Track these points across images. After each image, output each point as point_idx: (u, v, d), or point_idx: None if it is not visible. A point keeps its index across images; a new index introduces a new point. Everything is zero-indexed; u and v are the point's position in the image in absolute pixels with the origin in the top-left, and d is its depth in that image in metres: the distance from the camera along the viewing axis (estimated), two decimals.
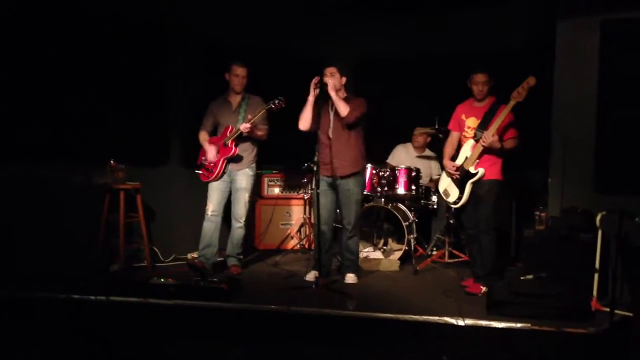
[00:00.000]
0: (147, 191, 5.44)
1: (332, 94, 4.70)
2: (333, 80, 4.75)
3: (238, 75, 5.07)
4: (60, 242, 4.84)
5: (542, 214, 4.62)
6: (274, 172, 6.57)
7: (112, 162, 5.16)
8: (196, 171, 5.21)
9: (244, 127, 4.90)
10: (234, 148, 5.03)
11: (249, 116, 4.98)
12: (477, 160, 4.46)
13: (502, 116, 4.34)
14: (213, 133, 5.22)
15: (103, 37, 5.27)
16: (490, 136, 4.33)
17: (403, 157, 6.29)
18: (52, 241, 4.81)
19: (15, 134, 4.81)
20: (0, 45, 4.77)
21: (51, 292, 4.17)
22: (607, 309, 3.72)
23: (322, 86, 4.71)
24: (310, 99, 4.73)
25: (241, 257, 5.30)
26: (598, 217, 4.14)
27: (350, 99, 4.87)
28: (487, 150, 4.44)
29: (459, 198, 4.54)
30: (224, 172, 5.09)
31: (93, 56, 5.22)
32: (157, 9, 5.61)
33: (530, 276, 4.09)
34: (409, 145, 6.41)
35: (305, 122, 4.79)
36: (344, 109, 4.72)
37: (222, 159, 5.05)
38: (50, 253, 4.75)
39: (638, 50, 4.50)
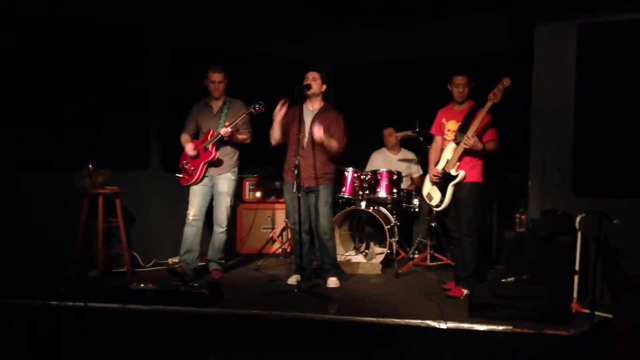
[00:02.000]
0: (127, 195, 5.37)
1: (324, 140, 4.66)
2: (313, 84, 4.75)
3: (214, 81, 5.04)
4: (38, 247, 4.77)
5: (523, 217, 4.65)
6: (255, 176, 6.53)
7: (90, 166, 5.08)
8: (177, 175, 5.16)
9: (224, 131, 4.88)
10: (214, 152, 5.00)
11: (228, 122, 4.95)
12: (458, 163, 4.48)
13: (480, 118, 4.38)
14: (195, 137, 5.18)
15: (82, 40, 5.21)
16: (470, 137, 4.36)
17: (381, 162, 6.29)
18: (29, 246, 4.73)
19: None
20: None
21: (29, 298, 4.09)
22: (587, 311, 3.75)
23: (302, 89, 4.69)
24: (277, 117, 4.72)
25: (223, 261, 5.26)
26: (577, 219, 4.18)
27: (329, 114, 4.85)
28: (468, 153, 4.46)
29: (441, 201, 4.55)
30: (204, 176, 5.06)
31: (72, 59, 5.16)
32: (137, 12, 5.56)
33: (511, 279, 4.11)
34: (384, 150, 6.42)
35: (274, 139, 4.82)
36: (335, 149, 4.76)
37: (202, 163, 5.02)
38: (28, 258, 4.68)
39: (615, 53, 4.56)
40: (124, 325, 4.01)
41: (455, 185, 4.49)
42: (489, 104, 4.35)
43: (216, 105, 5.13)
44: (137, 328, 3.99)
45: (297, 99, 4.68)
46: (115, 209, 5.19)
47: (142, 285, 4.26)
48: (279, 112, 4.70)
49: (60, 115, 5.08)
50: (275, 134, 4.79)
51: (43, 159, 4.99)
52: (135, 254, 5.58)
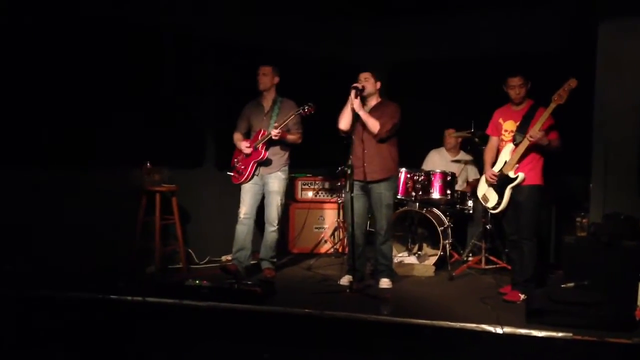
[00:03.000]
0: (182, 193, 5.48)
1: (361, 113, 4.68)
2: (366, 84, 4.74)
3: (259, 73, 5.10)
4: (97, 243, 4.92)
5: (584, 220, 4.51)
6: (308, 175, 6.55)
7: (148, 164, 5.22)
8: (228, 173, 5.24)
9: (274, 133, 4.92)
10: (263, 152, 5.04)
11: (278, 122, 4.99)
12: (517, 165, 4.37)
13: (543, 119, 4.23)
14: (247, 136, 5.24)
15: (138, 44, 5.35)
16: (537, 131, 4.22)
17: (437, 162, 6.21)
18: (90, 242, 4.89)
19: (55, 137, 4.90)
20: (40, 50, 4.86)
21: (89, 292, 4.22)
22: None
23: (356, 90, 4.69)
24: (351, 101, 4.69)
25: (275, 260, 5.30)
26: None
27: (384, 106, 4.84)
28: (527, 154, 4.34)
29: (498, 203, 4.44)
30: (254, 175, 5.11)
31: (129, 61, 5.30)
32: (192, 14, 5.67)
33: (571, 284, 3.98)
34: (442, 149, 6.33)
35: (345, 121, 4.77)
36: (373, 127, 4.71)
37: (252, 162, 5.07)
38: (88, 253, 4.83)
39: None
40: (180, 320, 4.09)
41: (514, 188, 4.38)
42: (553, 105, 4.21)
43: (267, 104, 5.18)
44: (192, 323, 4.05)
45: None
46: (171, 207, 5.31)
47: (197, 281, 4.33)
48: (355, 100, 4.67)
49: (120, 114, 5.23)
50: (346, 119, 4.75)
51: (103, 157, 5.14)
52: (190, 251, 5.70)
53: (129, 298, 4.15)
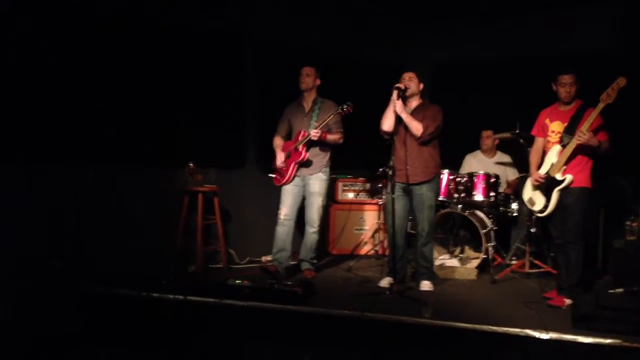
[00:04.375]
0: (224, 194, 5.55)
1: (403, 115, 4.64)
2: (410, 84, 4.71)
3: (302, 73, 5.13)
4: (141, 242, 5.02)
5: (634, 224, 4.36)
6: (349, 176, 6.55)
7: (191, 164, 5.30)
8: (269, 175, 5.27)
9: (313, 134, 4.93)
10: (304, 153, 5.05)
11: (317, 122, 5.00)
12: (564, 167, 4.25)
13: (591, 119, 4.10)
14: (288, 137, 5.27)
15: (184, 46, 5.44)
16: (585, 131, 4.10)
17: (475, 165, 6.10)
18: (134, 240, 4.99)
19: (102, 138, 5.02)
20: (89, 46, 4.98)
21: (133, 290, 4.30)
22: None
23: (399, 91, 4.66)
24: (394, 102, 4.66)
25: (315, 261, 5.31)
26: None
27: (426, 108, 4.79)
28: (575, 155, 4.22)
29: (545, 207, 4.33)
30: (295, 176, 5.12)
31: (173, 63, 5.40)
32: (234, 16, 5.74)
33: (620, 289, 3.85)
34: (478, 152, 6.23)
35: (388, 122, 4.73)
36: (416, 130, 4.67)
37: (292, 164, 5.09)
38: (132, 252, 4.93)
39: None
40: (220, 320, 4.13)
41: (562, 191, 4.26)
42: (601, 105, 4.08)
43: (308, 105, 5.19)
44: (233, 323, 4.09)
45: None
46: (213, 207, 5.38)
47: (238, 281, 4.37)
48: (397, 102, 4.65)
49: (166, 117, 5.32)
50: (389, 121, 4.71)
51: (148, 156, 5.25)
52: (231, 251, 5.76)
53: (171, 296, 4.21)
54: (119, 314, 4.21)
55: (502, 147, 6.19)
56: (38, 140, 4.70)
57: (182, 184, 5.33)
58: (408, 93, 4.74)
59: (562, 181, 4.24)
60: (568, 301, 4.21)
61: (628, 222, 4.41)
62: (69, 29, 4.82)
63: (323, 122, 4.99)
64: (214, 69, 5.66)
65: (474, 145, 6.28)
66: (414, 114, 4.77)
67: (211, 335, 4.04)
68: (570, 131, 4.22)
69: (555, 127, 4.40)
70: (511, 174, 6.11)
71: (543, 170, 4.39)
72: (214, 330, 4.07)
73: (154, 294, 4.24)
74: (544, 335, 3.54)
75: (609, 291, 3.92)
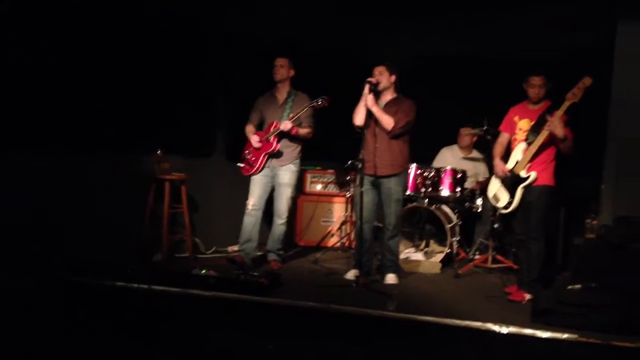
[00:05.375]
0: (191, 182, 5.50)
1: (374, 109, 4.67)
2: (381, 78, 4.73)
3: (275, 64, 5.10)
4: (106, 230, 4.94)
5: (594, 222, 4.47)
6: (317, 168, 6.55)
7: (159, 152, 5.23)
8: (238, 164, 5.24)
9: (285, 125, 4.92)
10: (275, 144, 5.04)
11: (291, 114, 4.99)
12: (529, 164, 4.34)
13: (557, 116, 4.19)
14: (259, 128, 5.24)
15: (152, 32, 5.33)
16: (556, 119, 4.18)
17: (449, 159, 6.19)
18: (98, 229, 4.91)
19: (65, 124, 4.91)
20: (58, 38, 4.86)
21: (96, 279, 4.24)
22: None
23: (370, 85, 4.68)
24: (365, 96, 4.68)
25: (281, 252, 5.32)
26: None
27: (399, 102, 4.82)
28: (540, 153, 4.31)
29: (509, 203, 4.42)
30: (264, 167, 5.11)
31: (142, 49, 5.29)
32: (208, 3, 5.66)
33: (578, 286, 3.96)
34: (455, 146, 6.30)
35: (360, 116, 4.75)
36: (387, 124, 4.70)
37: (263, 154, 5.08)
38: (95, 240, 4.85)
39: None
40: (185, 309, 4.10)
41: (526, 188, 4.35)
42: (567, 104, 4.17)
43: (281, 96, 5.17)
44: (198, 313, 4.07)
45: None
46: (180, 196, 5.33)
47: (203, 271, 4.35)
48: (368, 96, 4.67)
49: (132, 103, 5.23)
50: (361, 115, 4.73)
51: (114, 144, 5.15)
52: (197, 240, 5.72)
53: (136, 285, 4.17)
54: (82, 302, 4.15)
55: (479, 146, 6.27)
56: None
57: (150, 171, 5.25)
58: (380, 87, 4.76)
59: (527, 178, 4.33)
60: (528, 296, 4.32)
61: (588, 221, 4.52)
62: (31, 14, 4.68)
63: (296, 114, 4.98)
64: (183, 56, 5.58)
65: (446, 141, 6.35)
66: (387, 107, 4.79)
67: (175, 324, 4.02)
68: (536, 130, 4.31)
69: (523, 125, 4.48)
70: (483, 173, 6.19)
71: (508, 167, 4.48)
72: (178, 320, 4.05)
73: (118, 283, 4.19)
74: (504, 330, 3.62)
75: (568, 287, 4.01)
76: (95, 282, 4.21)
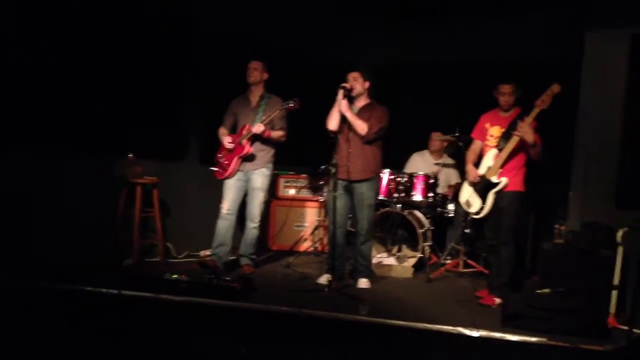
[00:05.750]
0: (164, 186, 5.45)
1: (348, 115, 4.69)
2: (355, 84, 4.75)
3: (249, 67, 5.10)
4: (76, 233, 4.85)
5: (562, 228, 4.56)
6: (291, 173, 6.55)
7: (130, 155, 5.17)
8: (211, 168, 5.21)
9: (257, 128, 4.91)
10: (247, 147, 5.03)
11: (263, 117, 4.99)
12: (500, 170, 4.41)
13: (528, 121, 4.27)
14: (233, 131, 5.22)
15: (122, 32, 5.27)
16: (526, 125, 4.25)
17: (420, 165, 6.25)
18: (68, 232, 4.82)
19: (36, 126, 4.81)
20: (27, 39, 4.77)
21: (65, 283, 4.17)
22: (625, 327, 3.65)
23: (344, 90, 4.70)
24: (339, 102, 4.70)
25: (254, 257, 5.29)
26: (619, 233, 4.07)
27: (373, 108, 4.85)
28: (510, 159, 4.38)
29: (481, 208, 4.48)
30: (238, 170, 5.09)
31: (113, 51, 5.22)
32: (180, 2, 5.62)
33: (547, 290, 4.03)
34: (425, 152, 6.37)
35: (334, 121, 4.78)
36: (361, 129, 4.73)
37: (236, 157, 5.06)
38: (65, 243, 4.76)
39: None
40: (156, 315, 4.05)
41: (497, 193, 4.42)
42: (536, 110, 4.26)
43: (254, 99, 5.16)
44: (169, 318, 4.02)
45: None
46: (152, 200, 5.27)
47: (175, 276, 4.31)
48: (342, 101, 4.69)
49: (103, 106, 5.15)
50: (335, 120, 4.76)
51: (85, 147, 5.07)
52: (169, 244, 5.66)
53: (104, 290, 4.11)
54: (50, 307, 4.07)
55: (450, 152, 6.32)
56: None
57: (121, 175, 5.18)
58: (354, 93, 4.79)
59: (498, 184, 4.40)
60: (498, 300, 4.38)
61: (557, 226, 4.60)
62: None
63: (268, 117, 4.98)
64: (156, 59, 5.52)
65: (417, 147, 6.41)
66: (360, 113, 4.82)
67: (146, 330, 3.96)
68: (507, 137, 4.38)
69: (494, 132, 4.55)
70: (454, 178, 6.26)
71: (479, 173, 4.54)
72: (148, 325, 3.99)
73: (87, 288, 4.12)
74: (474, 333, 3.67)
75: (537, 291, 4.07)
76: (64, 286, 4.14)
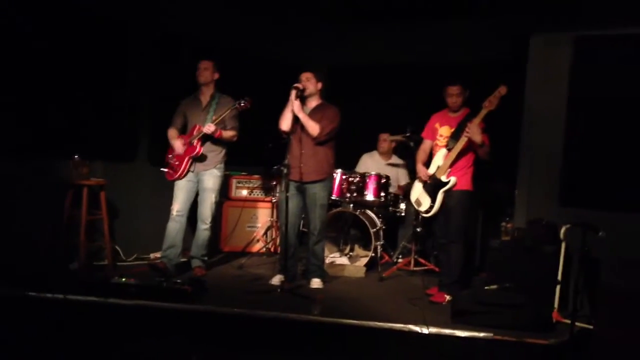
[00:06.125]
0: (112, 188, 5.32)
1: (301, 115, 4.70)
2: (308, 85, 4.76)
3: (199, 67, 5.04)
4: (19, 237, 4.69)
5: (508, 225, 4.68)
6: (243, 173, 6.50)
7: (76, 157, 5.02)
8: (162, 169, 5.13)
9: (207, 128, 4.86)
10: (198, 147, 4.97)
11: (214, 117, 4.94)
12: (449, 170, 4.50)
13: (476, 122, 4.36)
14: (183, 131, 5.15)
15: (69, 31, 5.13)
16: (474, 126, 4.34)
17: (370, 165, 6.30)
18: (10, 236, 4.65)
19: None
20: None
21: (8, 289, 4.03)
22: (568, 321, 3.77)
23: (297, 91, 4.70)
24: (291, 102, 4.69)
25: (206, 258, 5.23)
26: (562, 230, 4.20)
27: (325, 109, 4.86)
28: (459, 159, 4.47)
29: (431, 207, 4.56)
30: (189, 171, 5.02)
31: (61, 50, 5.07)
32: (128, 3, 5.51)
33: (494, 286, 4.13)
34: (375, 153, 6.43)
35: (286, 122, 4.77)
36: (313, 130, 4.73)
37: (186, 158, 4.99)
38: (7, 248, 4.60)
39: (608, 67, 4.60)
40: (104, 319, 3.96)
41: (446, 192, 4.50)
42: (483, 112, 4.36)
43: (205, 99, 5.11)
44: (118, 322, 3.94)
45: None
46: (99, 202, 5.14)
47: (124, 279, 4.21)
48: (295, 102, 4.67)
49: (48, 104, 5.00)
50: (287, 120, 4.74)
51: (28, 148, 4.90)
52: (117, 247, 5.53)
53: (50, 295, 3.99)
54: None
55: (398, 151, 6.41)
56: None
57: (66, 177, 5.03)
58: (306, 93, 4.79)
59: (447, 183, 4.48)
60: (448, 297, 4.46)
61: (503, 224, 4.72)
62: None
63: (219, 117, 4.93)
64: (103, 58, 5.39)
65: (369, 147, 6.47)
66: (312, 113, 4.83)
67: (94, 335, 3.87)
68: (456, 136, 4.47)
69: (444, 132, 4.64)
70: (403, 179, 6.34)
71: (429, 172, 4.62)
72: (96, 331, 3.90)
73: (31, 293, 3.99)
74: (425, 330, 3.73)
75: (485, 287, 4.17)
76: (7, 291, 4.00)
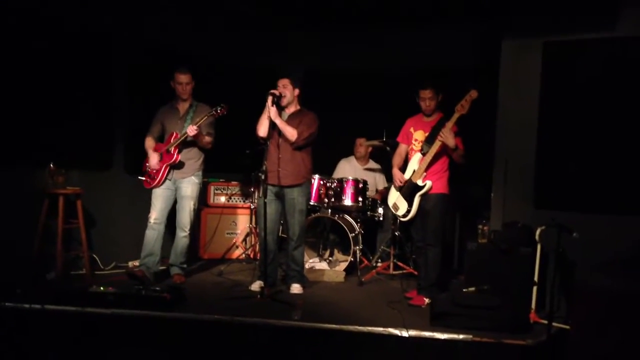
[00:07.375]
0: (89, 197, 5.27)
1: (278, 121, 4.72)
2: (285, 91, 4.78)
3: (182, 82, 5.02)
4: None
5: (485, 228, 4.73)
6: (221, 180, 6.49)
7: (51, 165, 4.97)
8: (139, 177, 5.10)
9: (191, 129, 4.84)
10: (176, 155, 4.96)
11: (191, 124, 4.93)
12: (425, 173, 4.55)
13: (447, 127, 4.42)
14: (160, 140, 5.13)
15: (44, 40, 5.08)
16: (447, 130, 4.38)
17: (348, 170, 6.33)
18: None
19: None
20: None
21: None
22: (545, 321, 3.83)
23: (273, 97, 4.72)
24: (268, 108, 4.70)
25: (185, 266, 5.21)
26: (537, 232, 4.26)
27: (302, 115, 4.89)
28: (434, 163, 4.53)
29: (408, 211, 4.60)
30: (166, 179, 5.01)
31: (35, 58, 5.02)
32: (105, 14, 5.49)
33: (472, 288, 4.17)
34: (352, 158, 6.46)
35: (263, 128, 4.77)
36: (290, 136, 4.76)
37: (164, 166, 4.97)
38: None
39: (578, 71, 4.70)
40: (83, 329, 3.92)
41: (422, 196, 4.55)
42: (456, 115, 4.42)
43: (183, 108, 5.10)
44: (97, 332, 3.90)
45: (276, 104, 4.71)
46: (76, 210, 5.09)
47: (102, 288, 4.18)
48: (272, 108, 4.67)
49: (22, 112, 4.94)
50: (264, 126, 4.75)
51: (3, 157, 4.84)
52: (95, 256, 5.48)
53: (27, 306, 3.93)
54: None
55: (375, 156, 6.45)
56: None
57: (42, 186, 4.97)
58: (283, 102, 4.81)
59: (423, 187, 4.53)
60: (427, 300, 4.50)
61: (480, 226, 4.76)
62: None
63: (196, 124, 4.92)
64: (80, 66, 5.35)
65: (342, 153, 6.50)
66: (290, 119, 4.85)
67: (73, 345, 3.83)
68: (430, 141, 4.53)
69: (419, 136, 4.69)
70: (381, 183, 6.39)
71: (405, 176, 4.67)
72: (76, 341, 3.86)
73: (7, 304, 3.93)
74: (405, 333, 3.76)
75: (463, 290, 4.22)
76: None
